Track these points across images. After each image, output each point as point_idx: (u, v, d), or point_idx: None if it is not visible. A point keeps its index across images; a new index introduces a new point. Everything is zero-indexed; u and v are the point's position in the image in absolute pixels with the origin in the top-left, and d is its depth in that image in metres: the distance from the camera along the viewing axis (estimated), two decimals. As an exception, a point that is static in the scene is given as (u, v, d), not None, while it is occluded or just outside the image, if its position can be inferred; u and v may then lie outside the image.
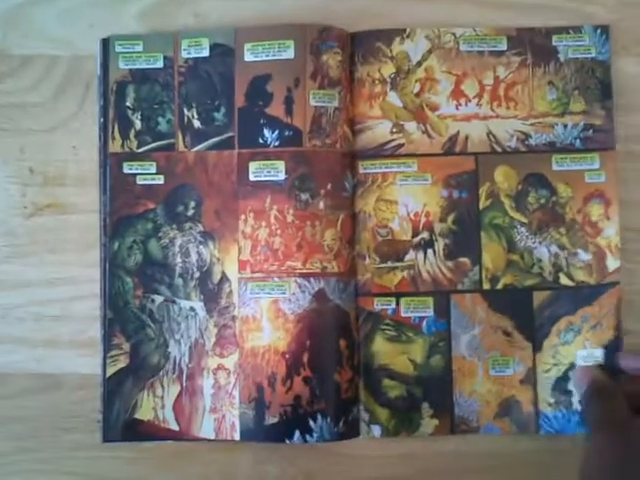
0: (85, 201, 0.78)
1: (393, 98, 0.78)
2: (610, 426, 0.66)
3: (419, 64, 0.78)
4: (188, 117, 0.78)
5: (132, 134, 0.78)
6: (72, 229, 0.79)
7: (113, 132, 0.78)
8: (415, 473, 0.78)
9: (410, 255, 0.78)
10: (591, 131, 0.78)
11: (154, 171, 0.77)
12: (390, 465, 0.78)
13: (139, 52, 0.78)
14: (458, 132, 0.78)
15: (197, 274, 0.77)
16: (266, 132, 0.76)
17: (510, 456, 0.77)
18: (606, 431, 0.65)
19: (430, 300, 0.77)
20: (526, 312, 0.77)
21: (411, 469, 0.78)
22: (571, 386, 0.76)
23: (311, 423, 0.74)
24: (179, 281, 0.77)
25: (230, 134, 0.77)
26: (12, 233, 0.79)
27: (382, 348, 0.77)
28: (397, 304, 0.77)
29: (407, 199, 0.78)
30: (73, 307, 0.78)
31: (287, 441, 0.74)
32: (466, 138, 0.78)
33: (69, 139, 0.79)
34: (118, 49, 0.78)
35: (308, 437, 0.74)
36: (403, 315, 0.77)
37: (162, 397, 0.77)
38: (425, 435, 0.76)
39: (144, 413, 0.76)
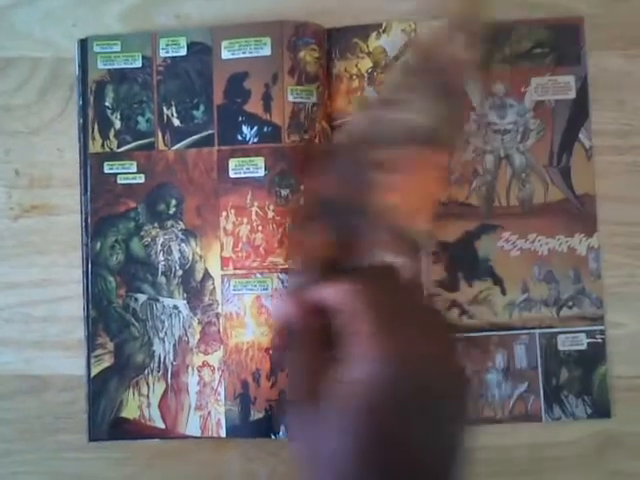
0: (71, 202, 0.78)
1: (371, 93, 0.78)
2: None
3: (396, 58, 0.78)
4: (167, 116, 0.78)
5: (112, 134, 0.78)
6: (58, 230, 0.79)
7: (93, 132, 0.78)
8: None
9: (391, 249, 0.77)
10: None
11: (135, 170, 0.78)
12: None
13: (117, 52, 0.78)
14: (436, 125, 0.78)
15: (180, 272, 0.77)
16: (245, 129, 0.76)
17: (505, 448, 0.77)
18: None
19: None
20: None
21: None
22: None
23: (297, 418, 0.74)
24: (162, 279, 0.77)
25: (209, 132, 0.77)
26: (-1, 235, 0.79)
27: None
28: (378, 298, 0.77)
29: (387, 193, 0.78)
30: (60, 308, 0.79)
31: (273, 436, 0.74)
32: (444, 130, 0.78)
33: (54, 141, 0.80)
34: (96, 49, 0.78)
35: (294, 432, 0.74)
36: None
37: (147, 395, 0.77)
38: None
39: (130, 412, 0.77)
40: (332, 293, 0.55)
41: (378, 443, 0.49)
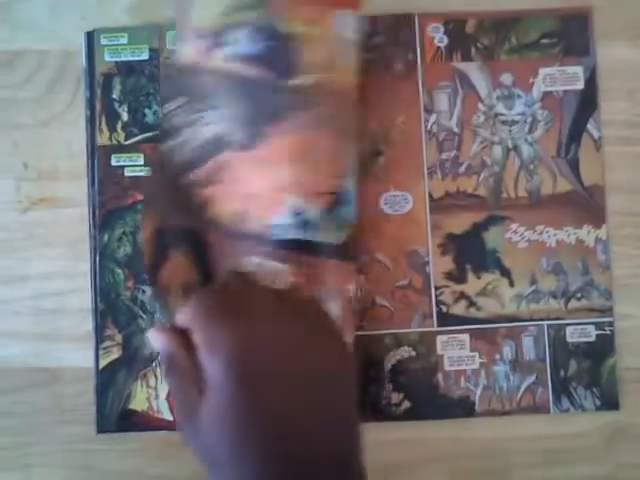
0: (79, 195, 0.78)
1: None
2: None
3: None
4: (174, 108, 0.78)
5: (119, 126, 0.78)
6: (67, 223, 0.79)
7: (100, 125, 0.78)
8: (417, 459, 0.77)
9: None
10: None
11: (142, 163, 0.78)
12: (392, 451, 0.77)
13: (124, 44, 0.78)
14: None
15: (187, 264, 0.77)
16: (251, 121, 0.76)
17: (513, 440, 0.77)
18: None
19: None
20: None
21: (413, 455, 0.77)
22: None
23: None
24: (169, 272, 0.77)
25: (216, 124, 0.77)
26: (7, 228, 0.79)
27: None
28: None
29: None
30: (69, 300, 0.79)
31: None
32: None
33: (62, 133, 0.79)
34: (103, 42, 0.78)
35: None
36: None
37: (155, 387, 0.77)
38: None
39: (138, 404, 0.77)
40: (180, 316, 0.59)
41: (247, 441, 0.53)
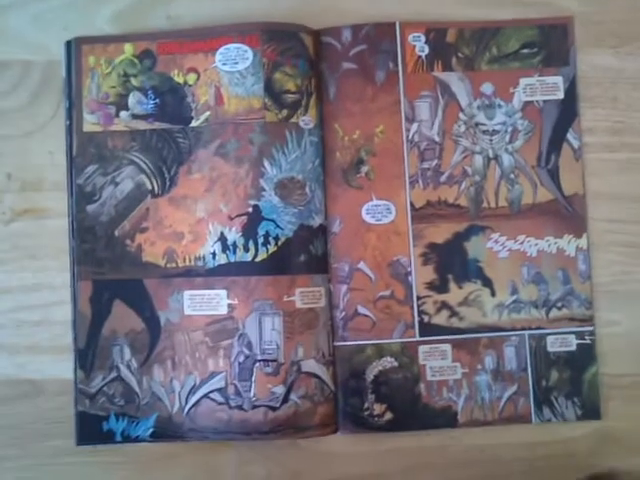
0: (62, 205, 0.78)
1: None
2: None
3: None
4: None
5: (99, 138, 0.79)
6: (50, 234, 0.79)
7: (79, 135, 0.79)
8: (400, 469, 0.77)
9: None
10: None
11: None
12: (375, 462, 0.77)
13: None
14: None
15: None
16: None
17: (495, 449, 0.77)
18: None
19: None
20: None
21: (396, 465, 0.77)
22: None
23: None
24: (148, 285, 0.77)
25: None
26: (-9, 240, 0.78)
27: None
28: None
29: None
30: (53, 312, 0.78)
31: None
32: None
33: (46, 144, 0.79)
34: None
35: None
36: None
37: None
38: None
39: (116, 416, 0.76)
40: None
41: None
